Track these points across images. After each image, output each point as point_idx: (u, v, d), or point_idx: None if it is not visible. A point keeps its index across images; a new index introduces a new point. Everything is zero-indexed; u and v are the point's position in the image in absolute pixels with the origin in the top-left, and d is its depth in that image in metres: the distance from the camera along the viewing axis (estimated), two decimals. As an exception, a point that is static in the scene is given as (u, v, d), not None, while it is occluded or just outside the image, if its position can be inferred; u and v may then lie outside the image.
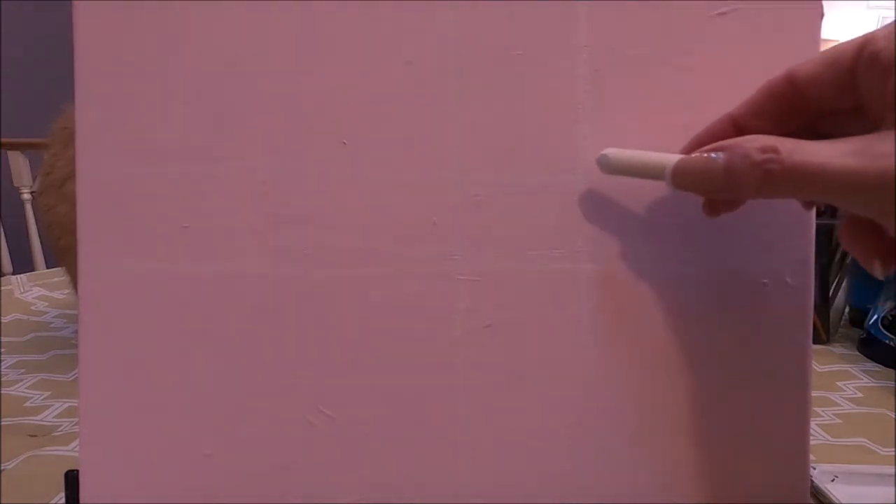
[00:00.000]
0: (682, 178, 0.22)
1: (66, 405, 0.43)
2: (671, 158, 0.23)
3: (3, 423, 0.40)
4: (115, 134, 0.25)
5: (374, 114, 0.25)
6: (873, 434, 0.41)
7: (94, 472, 0.25)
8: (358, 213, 0.25)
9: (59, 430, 0.39)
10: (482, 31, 0.25)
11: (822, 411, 0.45)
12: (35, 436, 0.38)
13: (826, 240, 0.58)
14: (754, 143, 0.19)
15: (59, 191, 0.49)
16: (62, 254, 0.50)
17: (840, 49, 0.20)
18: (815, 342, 0.30)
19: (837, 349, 0.59)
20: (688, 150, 0.24)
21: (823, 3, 0.26)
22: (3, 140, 1.48)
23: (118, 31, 0.24)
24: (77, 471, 0.25)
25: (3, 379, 0.47)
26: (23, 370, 0.49)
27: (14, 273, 0.86)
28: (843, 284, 0.59)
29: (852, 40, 0.19)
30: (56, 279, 0.76)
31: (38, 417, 0.41)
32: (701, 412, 0.27)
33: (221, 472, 0.25)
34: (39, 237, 1.52)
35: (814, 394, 0.39)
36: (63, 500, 0.29)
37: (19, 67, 1.97)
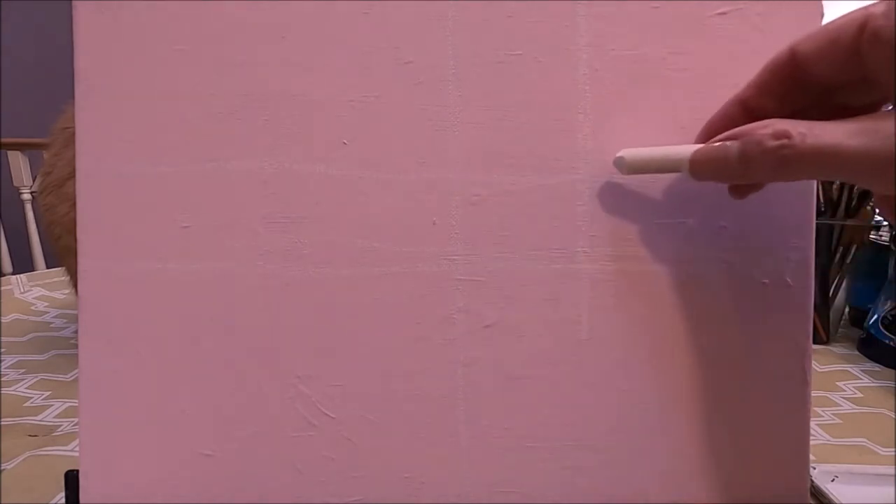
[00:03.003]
0: (700, 168, 0.22)
1: (66, 405, 0.43)
2: (687, 150, 0.23)
3: (3, 423, 0.40)
4: (115, 134, 0.25)
5: (374, 114, 0.25)
6: (873, 434, 0.41)
7: (94, 472, 0.25)
8: (358, 213, 0.25)
9: (59, 430, 0.39)
10: (482, 30, 0.25)
11: (822, 411, 0.45)
12: (35, 436, 0.38)
13: (826, 240, 0.58)
14: (767, 130, 0.20)
15: (59, 191, 0.49)
16: (62, 254, 0.50)
17: (840, 26, 0.20)
18: (815, 342, 0.30)
19: (837, 349, 0.59)
20: (701, 137, 0.24)
21: (823, 3, 0.26)
22: (3, 140, 1.48)
23: (118, 31, 0.24)
24: (77, 471, 0.25)
25: (3, 379, 0.47)
26: (23, 370, 0.49)
27: (14, 273, 0.86)
28: (843, 284, 0.59)
29: (851, 15, 0.19)
30: (56, 279, 0.76)
31: (38, 417, 0.41)
32: (701, 412, 0.27)
33: (221, 472, 0.25)
34: (39, 237, 1.52)
35: (814, 394, 0.39)
36: (63, 500, 0.29)
37: (19, 67, 1.97)
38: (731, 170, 0.21)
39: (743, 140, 0.21)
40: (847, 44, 0.19)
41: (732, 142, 0.21)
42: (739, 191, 0.25)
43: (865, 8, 0.19)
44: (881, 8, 0.19)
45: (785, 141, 0.19)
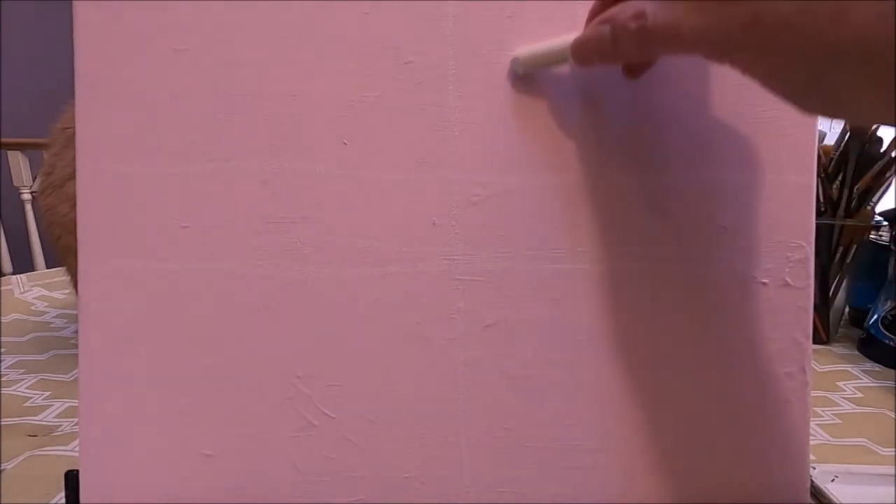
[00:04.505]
0: (580, 53, 0.23)
1: (66, 405, 0.43)
2: (570, 39, 0.23)
3: (3, 423, 0.40)
4: (115, 134, 0.25)
5: (374, 114, 0.25)
6: (873, 434, 0.41)
7: (94, 472, 0.25)
8: (358, 213, 0.25)
9: (59, 430, 0.39)
10: (482, 30, 0.25)
11: (822, 411, 0.45)
12: (35, 436, 0.38)
13: (826, 240, 0.58)
14: (628, 11, 0.21)
15: (59, 191, 0.49)
16: (62, 254, 0.50)
17: None
18: (815, 342, 0.30)
19: (837, 349, 0.59)
20: (586, 24, 0.25)
21: None
22: (3, 140, 1.48)
23: (118, 31, 0.24)
24: (77, 471, 0.25)
25: (3, 379, 0.47)
26: (23, 370, 0.49)
27: (14, 273, 0.86)
28: (843, 284, 0.59)
29: None
30: (56, 279, 0.76)
31: (38, 417, 0.41)
32: (701, 412, 0.27)
33: (221, 472, 0.25)
34: (39, 237, 1.52)
35: (814, 394, 0.39)
36: (63, 500, 0.29)
37: (19, 67, 1.97)
38: (606, 52, 0.22)
39: (611, 25, 0.21)
40: None
41: (604, 25, 0.22)
42: (631, 71, 0.25)
43: None
44: None
45: (641, 21, 0.20)
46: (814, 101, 0.19)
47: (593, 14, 0.24)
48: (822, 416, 0.44)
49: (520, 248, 0.26)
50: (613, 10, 0.22)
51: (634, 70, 0.26)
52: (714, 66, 0.26)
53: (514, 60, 0.25)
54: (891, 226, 0.60)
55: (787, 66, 0.18)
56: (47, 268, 0.99)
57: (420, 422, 0.26)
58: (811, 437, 0.27)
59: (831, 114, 0.19)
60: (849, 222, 0.57)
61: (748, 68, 0.19)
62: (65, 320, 0.62)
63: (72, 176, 0.47)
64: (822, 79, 0.18)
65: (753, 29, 0.18)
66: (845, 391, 0.49)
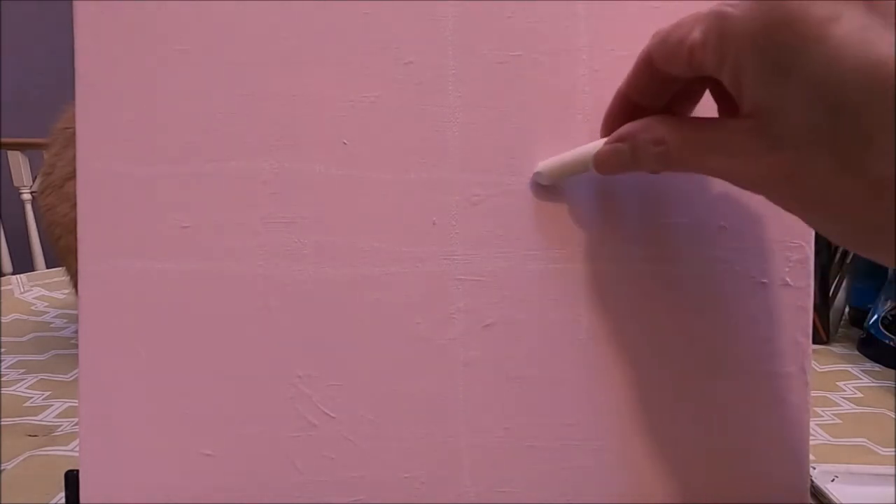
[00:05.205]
0: (602, 167, 0.24)
1: (66, 405, 0.43)
2: (592, 149, 0.24)
3: (3, 423, 0.40)
4: (115, 134, 0.25)
5: (374, 114, 0.25)
6: (873, 434, 0.41)
7: (94, 472, 0.25)
8: (358, 213, 0.25)
9: (59, 430, 0.39)
10: (482, 30, 0.25)
11: (822, 411, 0.45)
12: (35, 436, 0.38)
13: (826, 240, 0.58)
14: (648, 135, 0.22)
15: (59, 191, 0.49)
16: (62, 254, 0.50)
17: (683, 25, 0.20)
18: (815, 342, 0.30)
19: (837, 349, 0.59)
20: (602, 130, 0.25)
21: None
22: (3, 140, 1.48)
23: (118, 31, 0.24)
24: (77, 471, 0.25)
25: (3, 379, 0.47)
26: (23, 370, 0.49)
27: (14, 273, 0.86)
28: (843, 284, 0.59)
29: (691, 17, 0.20)
30: (56, 279, 0.76)
31: (38, 417, 0.41)
32: (700, 412, 0.27)
33: (221, 472, 0.25)
34: (39, 237, 1.52)
35: (814, 394, 0.39)
36: (63, 500, 0.29)
37: (19, 67, 1.97)
38: (627, 166, 0.23)
39: (631, 143, 0.22)
40: (689, 48, 0.20)
41: (623, 144, 0.23)
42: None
43: (696, 14, 0.20)
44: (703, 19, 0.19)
45: (662, 148, 0.21)
46: (874, 255, 0.19)
47: (607, 120, 0.25)
48: (822, 416, 0.44)
49: (520, 248, 0.26)
50: (633, 129, 0.22)
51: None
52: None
53: (538, 174, 0.26)
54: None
55: (828, 226, 0.18)
56: (47, 268, 0.99)
57: (420, 422, 0.26)
58: (811, 437, 0.27)
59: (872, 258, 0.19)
60: (849, 222, 0.57)
61: (786, 208, 0.19)
62: (65, 320, 0.62)
63: (72, 176, 0.47)
64: (871, 240, 0.18)
65: (789, 183, 0.18)
66: (845, 391, 0.49)
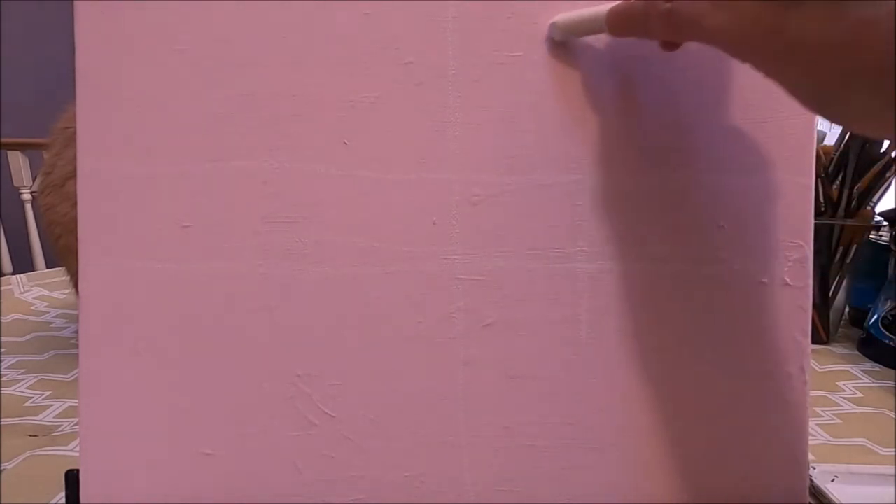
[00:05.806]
0: (614, 23, 0.23)
1: (66, 405, 0.43)
2: (605, 9, 0.24)
3: (3, 423, 0.40)
4: (115, 134, 0.25)
5: (374, 114, 0.25)
6: (873, 434, 0.41)
7: (94, 472, 0.25)
8: (358, 212, 0.25)
9: (59, 430, 0.39)
10: (482, 30, 0.25)
11: (822, 411, 0.45)
12: (35, 436, 0.38)
13: (826, 240, 0.58)
14: None
15: (59, 190, 0.49)
16: (62, 254, 0.50)
17: None
18: (815, 342, 0.30)
19: (837, 349, 0.59)
20: None
21: None
22: (3, 140, 1.48)
23: (118, 31, 0.24)
24: (77, 471, 0.25)
25: (3, 379, 0.47)
26: (23, 370, 0.49)
27: (14, 273, 0.86)
28: (843, 284, 0.59)
29: None
30: (56, 279, 0.76)
31: (38, 417, 0.41)
32: (700, 412, 0.27)
33: (221, 472, 0.25)
34: (39, 237, 1.52)
35: (814, 394, 0.39)
36: (63, 500, 0.29)
37: (19, 67, 1.97)
38: (638, 27, 0.23)
39: (646, 2, 0.22)
40: None
41: (638, 1, 0.22)
42: (666, 44, 0.25)
43: None
44: None
45: (670, 5, 0.21)
46: (832, 113, 0.19)
47: None
48: (822, 416, 0.44)
49: (520, 248, 0.26)
50: None
51: (669, 44, 0.25)
52: (713, 67, 0.26)
53: (552, 26, 0.25)
54: (891, 226, 0.60)
55: (803, 80, 0.18)
56: (47, 268, 0.99)
57: (420, 421, 0.26)
58: (811, 437, 0.27)
59: (851, 128, 0.19)
60: (849, 222, 0.57)
61: (768, 72, 0.19)
62: (65, 320, 0.62)
63: (72, 175, 0.47)
64: (839, 95, 0.18)
65: (773, 37, 0.18)
66: (845, 391, 0.49)
